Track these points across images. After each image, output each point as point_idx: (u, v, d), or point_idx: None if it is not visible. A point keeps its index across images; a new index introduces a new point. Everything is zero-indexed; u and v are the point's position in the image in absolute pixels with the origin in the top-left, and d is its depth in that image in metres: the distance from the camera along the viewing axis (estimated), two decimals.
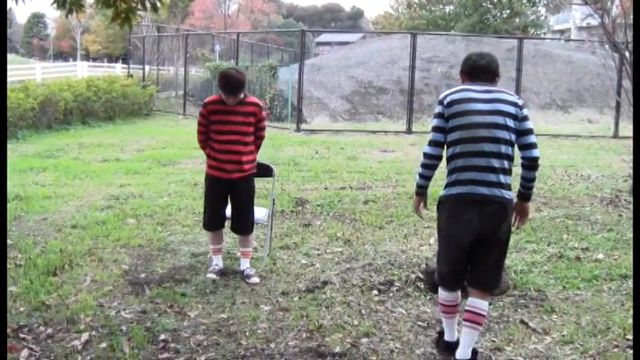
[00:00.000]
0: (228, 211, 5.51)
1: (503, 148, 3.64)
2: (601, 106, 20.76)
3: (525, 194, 3.86)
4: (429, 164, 3.82)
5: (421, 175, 3.89)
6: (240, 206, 5.44)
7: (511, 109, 3.66)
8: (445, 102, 3.72)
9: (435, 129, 3.76)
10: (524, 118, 3.70)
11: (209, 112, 5.30)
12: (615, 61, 11.78)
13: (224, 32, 35.99)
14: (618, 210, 7.82)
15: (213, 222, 5.51)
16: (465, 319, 3.82)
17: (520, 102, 3.74)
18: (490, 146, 3.62)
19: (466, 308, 3.83)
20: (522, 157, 3.75)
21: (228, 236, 6.07)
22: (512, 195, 3.72)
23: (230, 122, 5.25)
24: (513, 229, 3.88)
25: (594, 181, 9.90)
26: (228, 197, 5.46)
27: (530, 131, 3.71)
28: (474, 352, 3.81)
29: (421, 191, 3.95)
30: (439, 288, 4.02)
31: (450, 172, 3.73)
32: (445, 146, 3.78)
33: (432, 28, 37.45)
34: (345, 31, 63.70)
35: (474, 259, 3.77)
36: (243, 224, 5.50)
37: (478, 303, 3.79)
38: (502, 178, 3.64)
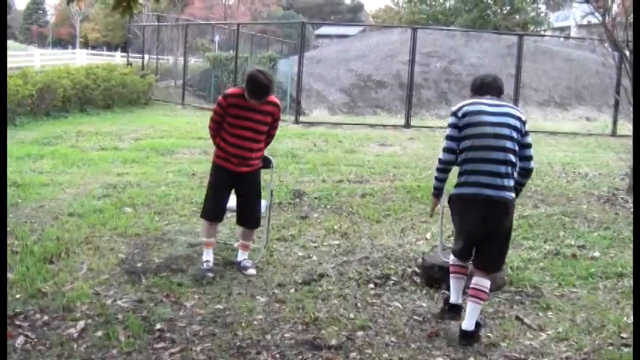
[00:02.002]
0: (229, 204, 5.44)
1: (508, 156, 4.12)
2: (599, 105, 20.77)
3: (516, 193, 4.34)
4: (444, 169, 4.38)
5: (437, 179, 4.46)
6: (248, 199, 5.36)
7: (517, 123, 4.16)
8: (459, 114, 4.20)
9: (449, 138, 4.26)
10: (527, 134, 4.22)
11: (228, 104, 5.17)
12: (615, 60, 11.77)
13: (224, 23, 35.88)
14: (615, 208, 7.84)
15: (214, 212, 5.38)
16: (469, 295, 4.25)
17: (524, 117, 4.23)
18: (497, 154, 4.10)
19: (471, 286, 4.27)
20: (520, 167, 4.26)
21: (226, 227, 6.06)
22: (513, 195, 4.19)
23: (248, 119, 5.15)
24: None
25: (591, 179, 9.91)
26: (233, 190, 5.38)
27: (529, 145, 4.25)
28: (477, 324, 4.21)
29: (437, 192, 4.51)
30: (451, 255, 4.53)
31: (461, 174, 4.24)
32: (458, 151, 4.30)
33: (431, 23, 37.45)
34: (345, 24, 63.39)
35: (479, 247, 4.28)
36: (252, 217, 5.41)
37: (481, 281, 4.24)
38: (506, 182, 4.12)
